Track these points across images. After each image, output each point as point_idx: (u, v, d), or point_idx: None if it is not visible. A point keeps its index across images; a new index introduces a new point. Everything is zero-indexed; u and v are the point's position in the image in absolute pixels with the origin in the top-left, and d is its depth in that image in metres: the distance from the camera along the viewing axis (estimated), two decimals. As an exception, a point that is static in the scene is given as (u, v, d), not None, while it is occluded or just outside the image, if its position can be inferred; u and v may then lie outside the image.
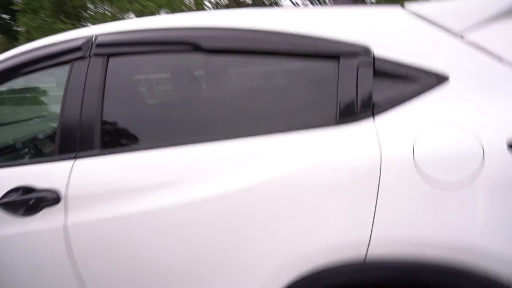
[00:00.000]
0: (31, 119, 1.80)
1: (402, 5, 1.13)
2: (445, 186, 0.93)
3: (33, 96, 1.74)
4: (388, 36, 1.07)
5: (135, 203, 1.12)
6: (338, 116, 1.04)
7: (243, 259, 1.08)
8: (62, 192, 1.19)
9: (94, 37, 1.24)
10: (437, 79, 1.01)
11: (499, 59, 0.98)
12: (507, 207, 0.90)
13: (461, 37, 1.03)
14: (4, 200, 1.24)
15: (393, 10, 1.11)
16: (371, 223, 0.97)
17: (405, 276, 0.98)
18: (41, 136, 1.58)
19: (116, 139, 1.24)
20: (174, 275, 1.15)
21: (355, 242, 0.99)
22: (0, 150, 1.58)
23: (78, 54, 1.24)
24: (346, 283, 1.03)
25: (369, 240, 0.98)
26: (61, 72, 1.31)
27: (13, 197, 1.24)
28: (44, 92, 1.75)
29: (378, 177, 0.96)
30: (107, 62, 1.22)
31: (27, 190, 1.22)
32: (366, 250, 0.98)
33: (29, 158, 1.46)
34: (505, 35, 1.01)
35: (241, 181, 1.04)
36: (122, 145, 1.22)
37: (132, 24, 1.25)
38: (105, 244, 1.19)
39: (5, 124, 1.65)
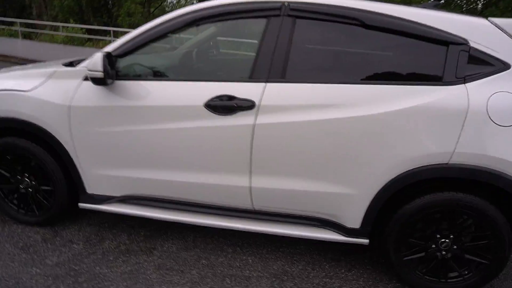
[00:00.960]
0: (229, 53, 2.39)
1: (487, 18, 1.82)
2: (501, 125, 1.66)
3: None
4: (478, 36, 1.76)
5: (307, 115, 1.79)
6: (444, 79, 1.74)
7: (370, 158, 1.78)
8: (256, 102, 1.83)
9: (287, 3, 1.86)
10: (504, 66, 1.72)
11: None
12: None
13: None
14: (210, 102, 1.87)
15: (482, 20, 1.81)
16: (456, 142, 1.69)
17: (469, 175, 1.72)
18: (239, 63, 2.20)
19: (298, 72, 1.88)
20: (324, 166, 1.84)
21: (444, 153, 1.71)
22: (207, 69, 2.18)
23: (276, 12, 1.86)
24: (432, 177, 1.76)
25: (453, 153, 1.70)
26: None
27: (217, 101, 1.87)
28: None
29: (465, 117, 1.68)
30: (295, 21, 1.85)
31: (230, 97, 1.86)
32: (449, 158, 1.71)
33: (229, 77, 2.07)
34: None
35: (380, 109, 1.73)
36: (302, 77, 1.87)
37: None
38: (278, 138, 1.85)
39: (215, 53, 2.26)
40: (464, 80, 1.73)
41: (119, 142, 2.06)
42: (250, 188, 1.98)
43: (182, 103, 1.93)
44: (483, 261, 1.87)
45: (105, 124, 2.04)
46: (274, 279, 2.04)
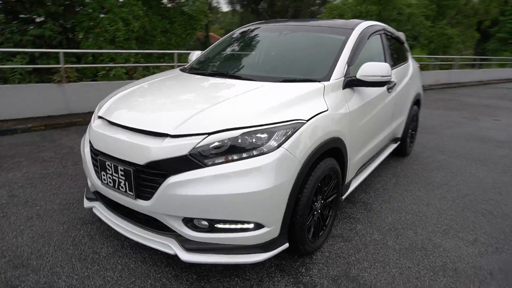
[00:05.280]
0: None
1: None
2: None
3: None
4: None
5: (402, 82, 3.56)
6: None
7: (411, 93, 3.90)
8: (394, 81, 3.32)
9: (383, 28, 3.37)
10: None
11: None
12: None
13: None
14: (387, 86, 3.13)
15: None
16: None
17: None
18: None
19: (392, 62, 3.46)
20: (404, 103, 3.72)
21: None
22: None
23: (382, 32, 3.34)
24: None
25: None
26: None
27: (389, 85, 3.16)
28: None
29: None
30: (387, 36, 3.43)
31: (391, 82, 3.21)
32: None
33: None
34: None
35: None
36: (394, 65, 3.49)
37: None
38: (399, 97, 3.48)
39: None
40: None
41: (362, 130, 2.73)
42: (391, 131, 3.46)
43: (382, 91, 3.00)
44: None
45: (361, 119, 2.64)
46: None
